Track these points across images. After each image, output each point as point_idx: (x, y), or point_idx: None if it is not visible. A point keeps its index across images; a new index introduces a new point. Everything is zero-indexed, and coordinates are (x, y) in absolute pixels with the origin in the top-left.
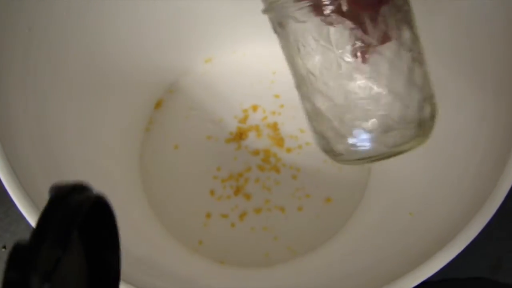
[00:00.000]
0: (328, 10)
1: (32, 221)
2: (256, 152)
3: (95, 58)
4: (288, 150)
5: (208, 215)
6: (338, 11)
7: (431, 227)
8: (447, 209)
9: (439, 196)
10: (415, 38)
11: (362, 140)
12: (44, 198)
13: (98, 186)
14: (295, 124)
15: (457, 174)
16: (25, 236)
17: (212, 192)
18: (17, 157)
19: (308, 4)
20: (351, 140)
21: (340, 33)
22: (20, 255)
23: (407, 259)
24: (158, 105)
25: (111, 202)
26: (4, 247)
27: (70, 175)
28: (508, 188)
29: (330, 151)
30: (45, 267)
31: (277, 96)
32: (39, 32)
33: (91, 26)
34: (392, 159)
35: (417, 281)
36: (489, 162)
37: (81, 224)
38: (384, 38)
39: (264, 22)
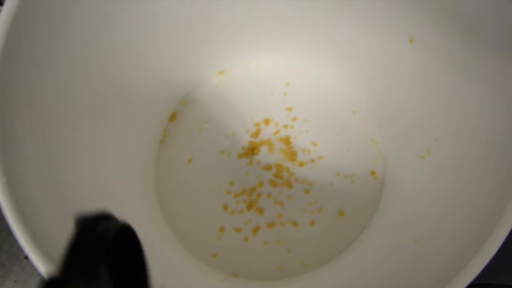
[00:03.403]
0: None
1: (35, 260)
2: (268, 167)
3: (108, 75)
4: (301, 164)
5: (222, 229)
6: None
7: (438, 254)
8: (456, 237)
9: (448, 224)
10: None
11: None
12: (51, 236)
13: (113, 199)
14: (308, 137)
15: (467, 203)
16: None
17: (225, 207)
18: (23, 193)
19: None
20: None
21: None
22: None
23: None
24: (173, 117)
25: (127, 219)
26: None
27: (83, 194)
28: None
29: None
30: None
31: (289, 109)
32: (48, 57)
33: (103, 42)
34: (405, 174)
35: None
36: (500, 193)
37: (108, 253)
38: None
39: (277, 31)
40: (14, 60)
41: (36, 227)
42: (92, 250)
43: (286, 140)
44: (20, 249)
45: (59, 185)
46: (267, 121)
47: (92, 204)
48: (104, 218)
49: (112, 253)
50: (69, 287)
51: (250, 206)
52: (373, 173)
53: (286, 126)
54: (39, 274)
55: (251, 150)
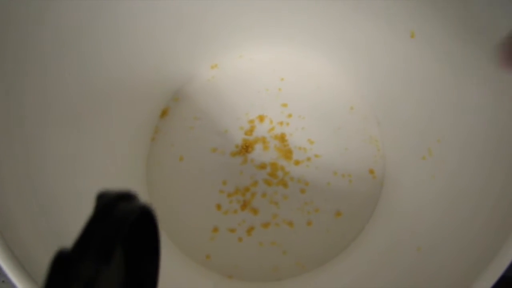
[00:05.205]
0: None
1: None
2: (262, 166)
3: (98, 69)
4: (296, 162)
5: (215, 230)
6: None
7: (441, 261)
8: (460, 243)
9: (450, 230)
10: None
11: None
12: (31, 254)
13: None
14: (304, 135)
15: (471, 206)
16: None
17: (218, 207)
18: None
19: None
20: None
21: None
22: (63, 263)
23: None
24: (164, 113)
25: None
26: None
27: (71, 195)
28: None
29: None
30: (86, 278)
31: (284, 105)
32: (27, 63)
33: (93, 36)
34: (405, 174)
35: None
36: (506, 200)
37: (125, 237)
38: None
39: (272, 24)
40: None
41: (15, 244)
42: (108, 231)
43: (281, 138)
44: None
45: (40, 189)
46: (261, 118)
47: (79, 206)
48: (126, 198)
49: (129, 236)
50: (80, 266)
51: (244, 206)
52: (371, 172)
53: (281, 123)
54: None
55: (245, 148)
